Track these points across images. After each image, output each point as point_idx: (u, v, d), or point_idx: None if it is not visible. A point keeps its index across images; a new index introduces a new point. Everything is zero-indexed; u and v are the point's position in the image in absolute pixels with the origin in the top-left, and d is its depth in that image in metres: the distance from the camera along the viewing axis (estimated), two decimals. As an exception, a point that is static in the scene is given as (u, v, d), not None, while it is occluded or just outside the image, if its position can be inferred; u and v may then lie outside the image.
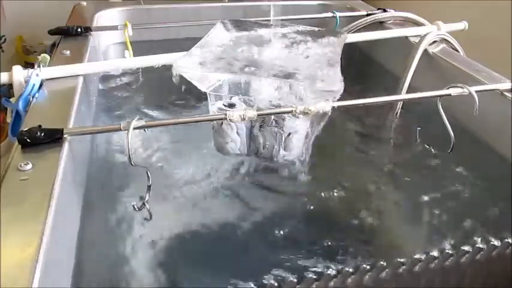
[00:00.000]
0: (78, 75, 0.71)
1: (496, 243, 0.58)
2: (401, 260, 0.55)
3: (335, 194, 0.68)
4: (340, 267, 0.53)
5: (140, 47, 0.88)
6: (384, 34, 0.98)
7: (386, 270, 0.54)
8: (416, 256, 0.56)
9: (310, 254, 0.55)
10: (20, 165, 0.47)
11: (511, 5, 1.17)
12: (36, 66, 0.67)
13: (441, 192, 0.68)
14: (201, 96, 0.62)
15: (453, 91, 0.63)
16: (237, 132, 0.63)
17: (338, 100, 0.58)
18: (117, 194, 0.64)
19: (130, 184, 0.64)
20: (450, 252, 0.57)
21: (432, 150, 0.73)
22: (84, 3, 1.14)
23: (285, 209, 0.64)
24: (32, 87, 0.63)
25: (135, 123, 0.51)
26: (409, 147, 0.77)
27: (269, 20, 0.85)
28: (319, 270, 0.53)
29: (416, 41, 0.90)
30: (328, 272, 0.53)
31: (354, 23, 1.03)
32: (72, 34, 0.88)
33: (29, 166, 0.47)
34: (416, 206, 0.65)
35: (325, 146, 0.73)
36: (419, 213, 0.64)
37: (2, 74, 0.66)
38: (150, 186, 0.56)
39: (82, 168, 0.62)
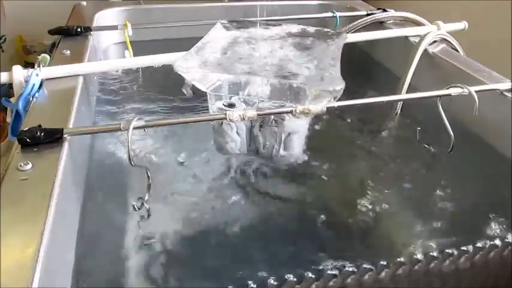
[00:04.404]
0: (78, 75, 0.71)
1: (496, 243, 0.58)
2: (401, 260, 0.55)
3: (335, 194, 0.68)
4: (340, 267, 0.53)
5: (140, 47, 0.88)
6: (384, 34, 0.98)
7: (386, 270, 0.54)
8: (416, 256, 0.56)
9: (310, 253, 0.55)
10: (20, 165, 0.47)
11: (511, 5, 1.17)
12: (36, 66, 0.67)
13: (441, 192, 0.68)
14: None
15: (453, 91, 0.63)
16: (237, 132, 0.63)
17: (338, 100, 0.58)
18: (116, 193, 0.64)
19: (130, 184, 0.64)
20: (450, 252, 0.57)
21: (432, 150, 0.73)
22: (84, 3, 1.14)
23: (284, 208, 0.64)
24: (32, 87, 0.63)
25: (135, 123, 0.51)
26: (409, 147, 0.77)
27: (269, 20, 0.85)
28: (319, 270, 0.53)
29: (416, 41, 0.90)
30: (328, 272, 0.52)
31: (354, 23, 1.03)
32: (72, 34, 0.88)
33: (29, 166, 0.47)
34: (416, 205, 0.65)
35: (324, 146, 0.73)
36: (419, 213, 0.64)
37: (2, 73, 0.66)
38: (149, 185, 0.56)
39: (82, 168, 0.62)
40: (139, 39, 0.93)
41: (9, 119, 0.62)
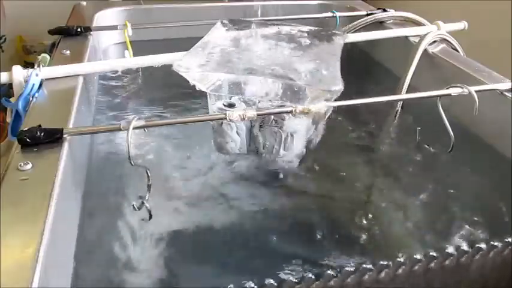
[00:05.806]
0: (78, 75, 0.71)
1: (496, 243, 0.58)
2: (401, 260, 0.55)
3: (335, 194, 0.67)
4: (340, 267, 0.53)
5: (140, 47, 0.88)
6: (384, 34, 0.98)
7: (386, 270, 0.54)
8: (416, 256, 0.56)
9: (310, 253, 0.55)
10: (20, 165, 0.47)
11: (511, 5, 1.17)
12: (36, 66, 0.67)
13: (441, 192, 0.68)
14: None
15: (453, 91, 0.63)
16: (237, 132, 0.63)
17: (338, 100, 0.58)
18: (116, 193, 0.64)
19: (130, 184, 0.64)
20: (450, 252, 0.57)
21: (432, 150, 0.73)
22: (84, 3, 1.14)
23: (284, 209, 0.64)
24: (32, 87, 0.63)
25: (134, 123, 0.51)
26: (408, 147, 0.77)
27: (269, 20, 0.85)
28: (319, 270, 0.53)
29: (416, 41, 0.90)
30: (328, 272, 0.52)
31: (354, 23, 1.03)
32: (72, 34, 0.88)
33: (29, 166, 0.47)
34: (416, 205, 0.65)
35: (324, 146, 0.72)
36: (419, 213, 0.64)
37: (2, 73, 0.66)
38: (150, 185, 0.55)
39: (82, 168, 0.62)
40: (139, 39, 0.93)
41: (9, 119, 0.62)
